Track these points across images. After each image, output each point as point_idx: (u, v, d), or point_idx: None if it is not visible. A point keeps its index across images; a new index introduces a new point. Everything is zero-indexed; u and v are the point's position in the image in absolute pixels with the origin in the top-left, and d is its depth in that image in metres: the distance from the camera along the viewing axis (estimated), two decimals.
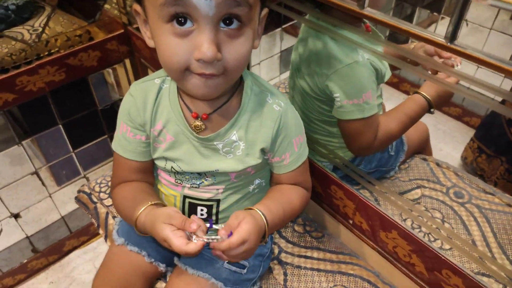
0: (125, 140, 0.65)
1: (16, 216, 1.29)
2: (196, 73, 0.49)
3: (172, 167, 0.63)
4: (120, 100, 1.44)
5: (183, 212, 0.68)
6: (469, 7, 0.43)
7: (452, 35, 0.45)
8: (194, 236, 0.54)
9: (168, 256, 0.74)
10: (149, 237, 0.70)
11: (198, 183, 0.64)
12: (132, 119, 0.63)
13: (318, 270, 0.76)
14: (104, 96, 1.41)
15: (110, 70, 1.41)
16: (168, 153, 0.63)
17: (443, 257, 0.63)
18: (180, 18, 0.47)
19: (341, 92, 0.73)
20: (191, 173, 0.63)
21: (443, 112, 1.71)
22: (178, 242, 0.53)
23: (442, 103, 0.81)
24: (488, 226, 0.80)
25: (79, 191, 0.93)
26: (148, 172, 0.69)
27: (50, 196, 1.30)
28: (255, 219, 0.57)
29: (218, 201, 0.66)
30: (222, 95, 0.58)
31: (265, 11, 0.55)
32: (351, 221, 0.78)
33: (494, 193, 0.88)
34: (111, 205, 0.87)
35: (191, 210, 0.67)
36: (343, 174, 0.84)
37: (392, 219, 0.68)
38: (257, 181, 0.68)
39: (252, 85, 0.61)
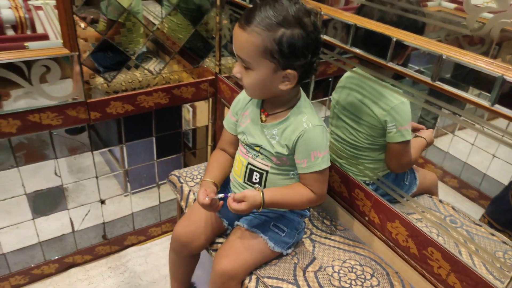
0: (228, 119, 1.04)
1: (103, 202, 1.64)
2: None
3: (244, 138, 0.99)
4: (194, 128, 1.84)
5: (245, 174, 1.00)
6: None
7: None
8: (207, 197, 0.91)
9: (232, 218, 1.04)
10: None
11: (256, 155, 0.98)
12: (233, 108, 1.02)
13: (338, 248, 1.03)
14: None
15: (189, 107, 1.83)
16: (244, 129, 0.99)
17: (429, 237, 0.89)
18: None
19: (396, 121, 1.05)
20: (252, 145, 0.97)
21: (462, 194, 1.91)
22: (200, 196, 0.90)
23: (429, 144, 1.18)
24: (473, 243, 1.05)
25: (170, 174, 1.27)
26: (233, 145, 1.05)
27: (127, 195, 1.65)
28: (254, 193, 0.90)
29: (267, 172, 0.98)
30: (281, 107, 0.94)
31: (292, 73, 0.87)
32: (366, 218, 1.06)
33: (484, 226, 1.13)
34: (192, 186, 1.20)
35: (250, 173, 0.99)
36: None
37: (396, 211, 0.96)
38: (291, 172, 0.99)
39: (300, 107, 0.96)
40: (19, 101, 1.27)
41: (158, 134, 1.62)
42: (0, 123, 1.26)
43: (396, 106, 1.04)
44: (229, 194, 0.91)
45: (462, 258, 0.85)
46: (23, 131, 1.31)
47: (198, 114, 1.82)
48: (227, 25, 1.53)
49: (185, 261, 1.07)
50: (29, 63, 1.24)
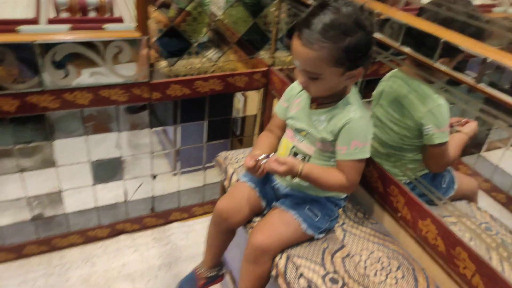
0: (279, 105, 1.12)
1: (154, 177, 1.78)
2: None
3: (292, 123, 1.05)
4: (243, 116, 1.94)
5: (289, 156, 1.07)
6: None
7: None
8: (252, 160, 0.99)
9: (270, 199, 1.12)
10: (262, 182, 1.11)
11: (301, 140, 1.04)
12: (286, 95, 1.11)
13: (368, 239, 1.08)
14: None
15: (240, 95, 1.93)
16: (294, 115, 1.06)
17: (457, 237, 0.92)
18: None
19: (432, 124, 1.08)
20: (299, 130, 1.04)
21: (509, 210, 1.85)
22: (246, 159, 0.99)
23: (472, 137, 1.17)
24: (506, 250, 1.05)
25: (217, 155, 1.38)
26: (280, 129, 1.13)
27: (176, 174, 1.78)
28: (296, 161, 0.97)
29: (309, 156, 1.04)
30: (332, 97, 0.99)
31: (358, 71, 0.93)
32: (399, 214, 1.09)
33: None
34: (237, 168, 1.29)
35: (294, 156, 1.05)
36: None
37: (428, 210, 0.99)
38: (333, 159, 1.04)
39: (349, 98, 1.01)
40: (93, 76, 1.43)
41: (210, 118, 1.73)
42: (76, 95, 1.42)
43: (434, 108, 1.06)
44: (272, 154, 0.99)
45: (490, 262, 0.87)
46: (94, 104, 1.47)
47: (248, 103, 1.91)
48: (285, 19, 1.60)
49: (222, 235, 1.16)
50: (105, 43, 1.39)
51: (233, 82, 1.66)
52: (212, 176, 1.90)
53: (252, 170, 1.00)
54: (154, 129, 1.65)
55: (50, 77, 1.36)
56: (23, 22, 1.36)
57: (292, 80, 1.48)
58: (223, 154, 1.37)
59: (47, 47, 1.32)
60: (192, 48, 1.60)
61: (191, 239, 1.86)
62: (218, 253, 1.20)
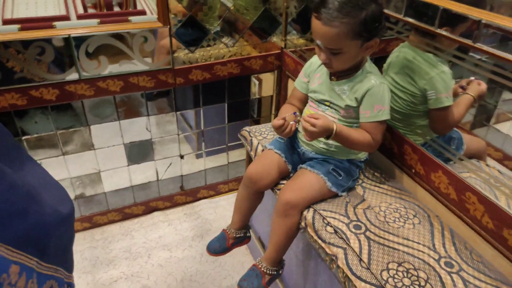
0: (299, 80, 1.23)
1: (182, 157, 1.91)
2: None
3: (315, 96, 1.16)
4: (260, 98, 2.05)
5: None
6: None
7: None
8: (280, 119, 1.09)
9: (296, 163, 1.24)
10: (288, 148, 1.23)
11: (325, 109, 1.15)
12: (305, 70, 1.21)
13: (386, 194, 1.19)
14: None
15: (255, 79, 2.04)
16: (316, 88, 1.17)
17: (466, 183, 1.02)
18: None
19: (436, 89, 1.17)
20: (323, 101, 1.15)
21: None
22: (275, 120, 1.09)
23: (482, 97, 1.24)
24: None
25: (242, 130, 1.50)
26: (301, 101, 1.24)
27: (201, 154, 1.90)
28: (329, 120, 1.05)
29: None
30: (350, 69, 1.10)
31: (375, 41, 1.03)
32: (413, 170, 1.20)
33: None
34: (261, 140, 1.41)
35: None
36: None
37: (439, 162, 1.10)
38: (355, 125, 1.15)
39: (365, 68, 1.12)
40: (122, 65, 1.55)
41: (230, 100, 1.85)
42: (109, 83, 1.56)
43: (437, 75, 1.16)
44: (297, 114, 1.10)
45: (496, 201, 0.97)
46: (125, 91, 1.60)
47: (264, 85, 2.02)
48: (293, 3, 1.70)
49: (251, 196, 1.28)
50: (131, 34, 1.52)
51: (249, 65, 1.78)
52: (235, 155, 2.03)
53: (280, 130, 1.10)
54: (178, 112, 1.77)
55: (85, 67, 1.50)
56: (57, 19, 1.48)
57: (305, 60, 1.59)
58: (247, 129, 1.49)
59: (81, 39, 1.45)
60: (209, 35, 1.71)
61: (218, 213, 2.00)
62: (246, 215, 1.32)
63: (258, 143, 1.41)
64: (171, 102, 1.75)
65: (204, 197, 2.08)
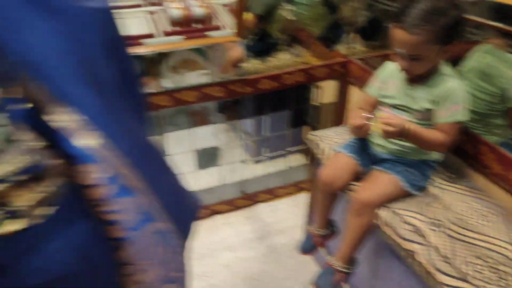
0: (371, 85, 1.29)
1: (243, 162, 2.02)
2: None
3: (390, 101, 1.21)
4: (319, 105, 2.13)
5: None
6: None
7: None
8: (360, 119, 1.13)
9: (367, 164, 1.30)
10: (360, 150, 1.30)
11: (400, 114, 1.19)
12: (379, 76, 1.27)
13: (461, 193, 1.23)
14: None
15: (318, 86, 2.13)
16: (390, 93, 1.22)
17: None
18: None
19: None
20: (397, 106, 1.19)
21: None
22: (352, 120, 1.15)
23: None
24: None
25: (307, 134, 1.59)
26: (373, 107, 1.28)
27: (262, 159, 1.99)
28: (403, 119, 1.09)
29: None
30: (424, 73, 1.16)
31: (451, 45, 1.07)
32: (490, 170, 1.22)
33: None
34: (329, 144, 1.49)
35: None
36: None
37: None
38: (430, 127, 1.20)
39: (442, 70, 1.16)
40: (198, 76, 1.69)
41: (291, 108, 1.95)
42: (186, 94, 1.69)
43: None
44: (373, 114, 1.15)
45: None
46: (199, 100, 1.73)
47: (326, 93, 2.11)
48: (360, 12, 1.79)
49: (327, 198, 1.35)
50: (210, 48, 1.65)
51: (314, 74, 1.87)
52: (294, 160, 2.11)
53: (357, 130, 1.17)
54: (242, 119, 1.89)
55: (168, 79, 1.64)
56: (144, 37, 1.64)
57: (372, 67, 1.66)
58: (311, 133, 1.58)
59: (166, 54, 1.60)
60: (278, 47, 1.83)
61: (277, 216, 2.08)
62: (326, 213, 1.39)
63: (327, 147, 1.49)
64: (237, 110, 1.87)
65: (263, 201, 2.17)
